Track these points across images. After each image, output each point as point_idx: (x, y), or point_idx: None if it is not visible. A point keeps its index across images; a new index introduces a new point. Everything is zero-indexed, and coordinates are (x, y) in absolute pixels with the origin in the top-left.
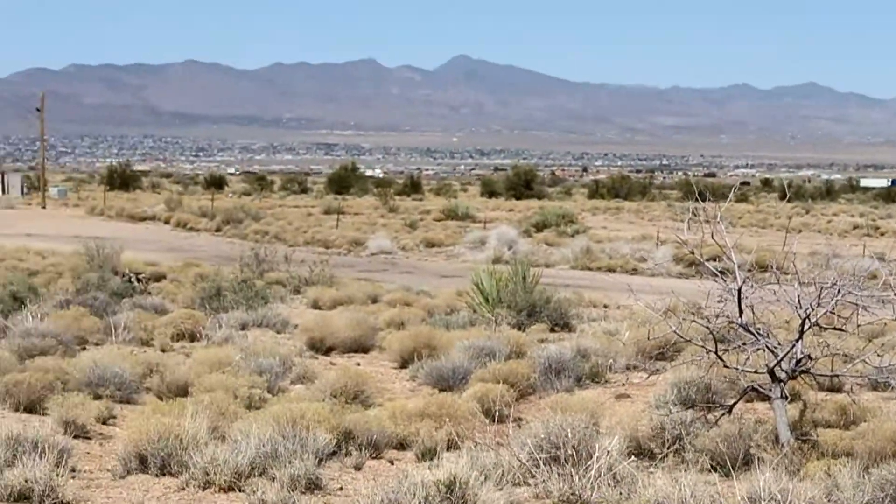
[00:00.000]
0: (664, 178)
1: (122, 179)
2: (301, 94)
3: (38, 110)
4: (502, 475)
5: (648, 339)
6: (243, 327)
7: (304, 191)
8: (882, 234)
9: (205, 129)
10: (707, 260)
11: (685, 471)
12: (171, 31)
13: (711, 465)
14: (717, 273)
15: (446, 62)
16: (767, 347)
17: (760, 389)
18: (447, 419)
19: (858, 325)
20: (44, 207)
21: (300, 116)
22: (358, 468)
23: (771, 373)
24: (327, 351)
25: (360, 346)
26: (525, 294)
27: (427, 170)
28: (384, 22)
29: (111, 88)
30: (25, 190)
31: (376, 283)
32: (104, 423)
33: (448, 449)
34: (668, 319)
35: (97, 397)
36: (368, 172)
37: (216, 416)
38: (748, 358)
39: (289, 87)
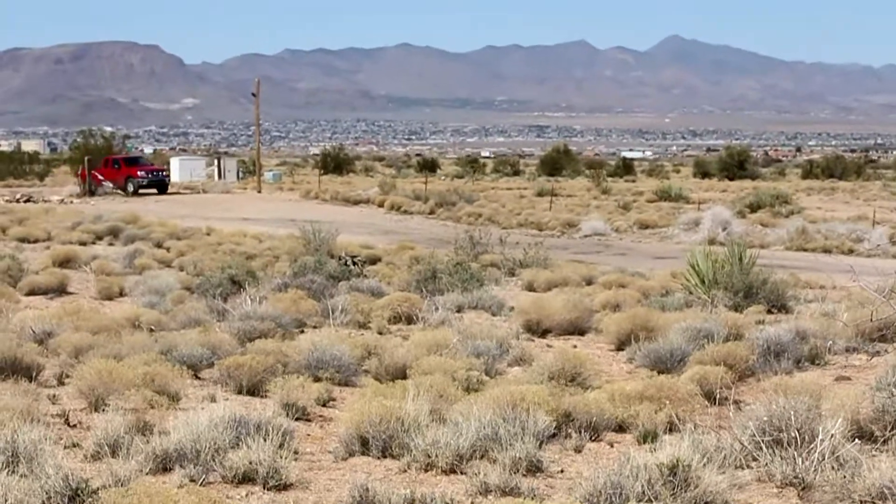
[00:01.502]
0: (879, 156)
1: (335, 163)
2: (513, 76)
3: (253, 95)
4: (724, 458)
5: (871, 320)
6: (459, 310)
7: (517, 173)
8: None
9: (417, 113)
10: None
11: None
12: (385, 15)
13: None
14: None
15: (658, 43)
16: None
17: None
18: (666, 401)
19: None
20: (259, 192)
21: (512, 98)
22: (578, 451)
23: None
24: (543, 333)
25: (576, 328)
26: (741, 275)
27: (639, 150)
28: (596, 3)
29: (324, 73)
30: (241, 174)
31: (590, 265)
32: (324, 405)
33: (668, 431)
34: (889, 300)
35: (317, 380)
36: (635, 155)
37: (436, 398)
38: None
39: (500, 70)
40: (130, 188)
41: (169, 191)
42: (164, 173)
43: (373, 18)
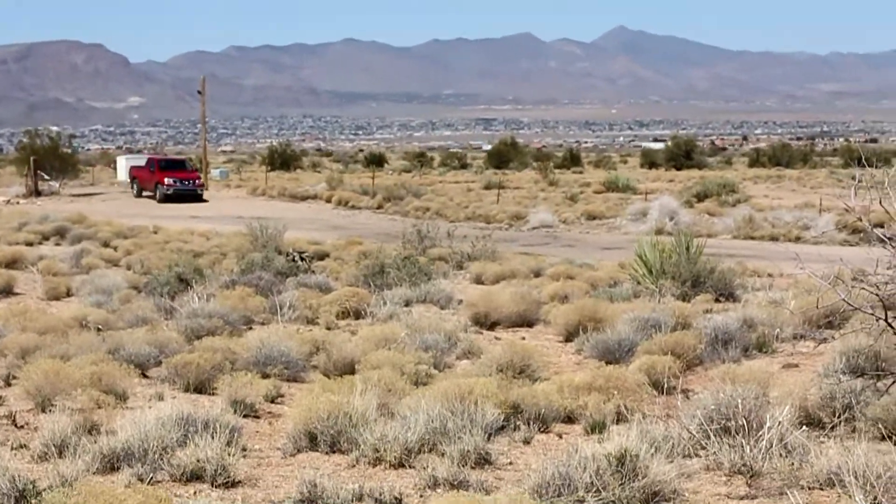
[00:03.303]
0: (825, 145)
1: (282, 159)
2: (459, 69)
3: (199, 93)
4: (672, 447)
5: (817, 307)
6: (407, 304)
7: (464, 166)
8: None
9: (364, 108)
10: (873, 226)
11: (857, 440)
12: (329, 11)
13: (884, 434)
14: (886, 239)
15: (604, 34)
16: None
17: None
18: (615, 392)
19: None
20: (206, 189)
21: (458, 92)
22: (527, 442)
23: None
24: (492, 326)
25: (525, 321)
26: (689, 265)
27: (586, 142)
28: None
29: (270, 69)
30: None
31: (538, 256)
32: (272, 401)
33: (617, 422)
34: (835, 287)
35: (265, 376)
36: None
37: (384, 393)
38: None
39: (447, 64)
40: (159, 196)
41: (111, 190)
42: (198, 182)
43: (318, 14)
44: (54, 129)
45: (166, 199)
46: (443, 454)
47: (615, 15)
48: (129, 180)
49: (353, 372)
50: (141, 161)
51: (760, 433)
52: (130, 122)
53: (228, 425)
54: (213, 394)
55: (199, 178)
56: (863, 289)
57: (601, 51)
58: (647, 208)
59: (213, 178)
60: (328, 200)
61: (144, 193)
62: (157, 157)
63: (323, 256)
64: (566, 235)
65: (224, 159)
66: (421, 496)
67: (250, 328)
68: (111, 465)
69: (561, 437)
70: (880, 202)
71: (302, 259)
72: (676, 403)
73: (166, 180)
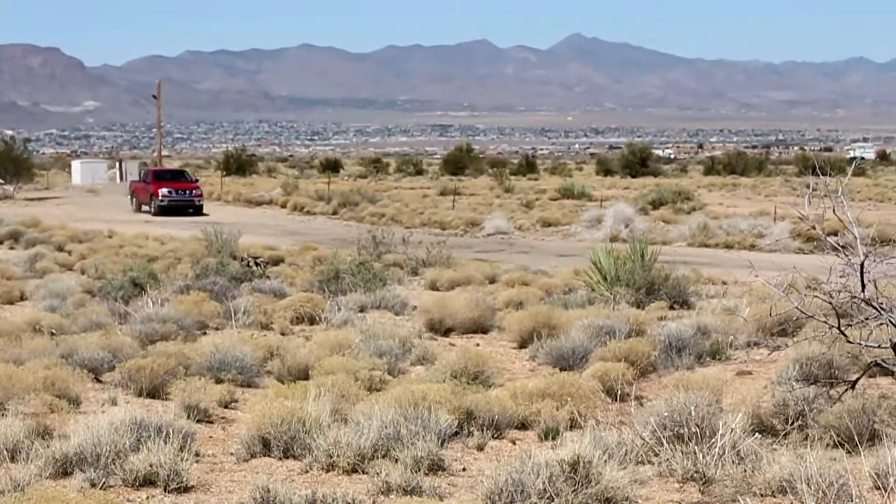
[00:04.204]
0: (780, 153)
1: (238, 164)
2: (415, 76)
3: (154, 97)
4: (625, 454)
5: (770, 315)
6: (362, 310)
7: (420, 172)
8: None
9: (320, 113)
10: (827, 235)
11: (810, 447)
12: (286, 16)
13: (836, 442)
14: (839, 247)
15: (560, 41)
16: (891, 322)
17: (884, 364)
18: (568, 398)
19: None
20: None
21: (415, 98)
22: (480, 449)
23: (895, 347)
24: (446, 332)
25: (479, 327)
26: (643, 272)
27: (542, 149)
28: (497, 1)
29: (226, 74)
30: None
31: (493, 263)
32: (226, 406)
33: (570, 428)
34: (789, 295)
35: (219, 381)
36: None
37: (338, 398)
38: (871, 333)
39: (403, 70)
40: (153, 209)
41: (66, 194)
42: (195, 192)
43: (274, 19)
44: (9, 132)
45: (161, 211)
46: (396, 460)
47: (571, 22)
48: (128, 196)
49: (307, 377)
50: (100, 166)
51: (713, 440)
52: (86, 126)
53: (182, 430)
54: (167, 399)
55: (197, 188)
56: (816, 297)
57: (557, 58)
58: (603, 215)
59: None
60: (283, 206)
61: (143, 208)
62: (155, 168)
63: (278, 262)
64: (521, 242)
65: (180, 163)
66: (374, 502)
67: (205, 333)
68: (64, 469)
69: (514, 443)
70: (833, 211)
71: (257, 264)
72: (630, 410)
73: (161, 191)
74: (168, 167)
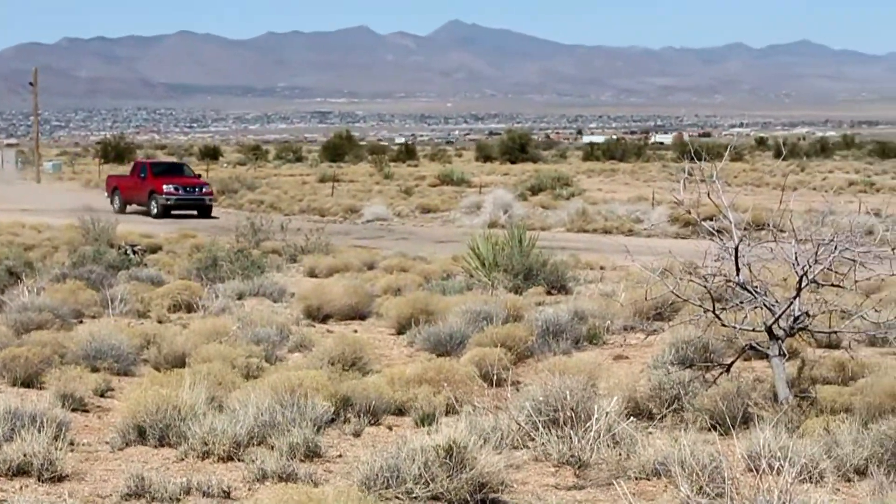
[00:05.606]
0: (662, 142)
1: (116, 152)
2: (294, 62)
3: (31, 85)
4: (501, 438)
5: (646, 299)
6: (240, 297)
7: (299, 159)
8: (878, 191)
9: (199, 101)
10: (703, 219)
11: (684, 430)
12: (164, 3)
13: (711, 425)
14: (714, 232)
15: (439, 27)
16: (765, 305)
17: (758, 348)
18: (445, 384)
19: (856, 282)
20: (38, 182)
21: (294, 85)
22: (357, 435)
23: (769, 331)
24: (324, 319)
25: (357, 314)
26: (521, 258)
27: (421, 135)
28: None
29: (104, 61)
30: (20, 165)
31: (372, 250)
32: (102, 395)
33: (447, 414)
34: (665, 279)
35: (95, 370)
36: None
37: (214, 386)
38: (746, 316)
39: (282, 57)
40: (155, 209)
41: None
42: (206, 190)
43: (152, 6)
44: None
45: (165, 212)
46: (272, 447)
47: (450, 9)
48: (106, 194)
49: (183, 365)
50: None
51: (588, 424)
52: None
53: (56, 419)
54: (42, 388)
55: (207, 185)
56: (692, 281)
57: (436, 44)
58: (482, 202)
59: (46, 171)
60: None
61: (129, 208)
62: (148, 160)
63: (156, 250)
64: (400, 229)
65: (57, 151)
66: (249, 489)
67: (81, 322)
68: None
69: (391, 429)
70: (709, 195)
71: (134, 252)
72: (506, 395)
73: (165, 188)
74: (165, 160)
